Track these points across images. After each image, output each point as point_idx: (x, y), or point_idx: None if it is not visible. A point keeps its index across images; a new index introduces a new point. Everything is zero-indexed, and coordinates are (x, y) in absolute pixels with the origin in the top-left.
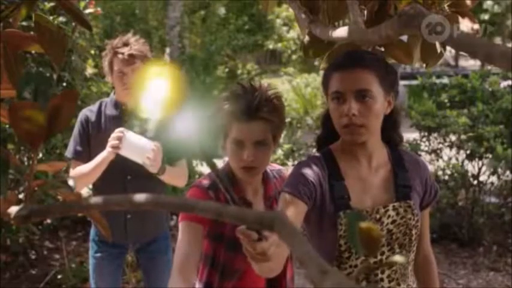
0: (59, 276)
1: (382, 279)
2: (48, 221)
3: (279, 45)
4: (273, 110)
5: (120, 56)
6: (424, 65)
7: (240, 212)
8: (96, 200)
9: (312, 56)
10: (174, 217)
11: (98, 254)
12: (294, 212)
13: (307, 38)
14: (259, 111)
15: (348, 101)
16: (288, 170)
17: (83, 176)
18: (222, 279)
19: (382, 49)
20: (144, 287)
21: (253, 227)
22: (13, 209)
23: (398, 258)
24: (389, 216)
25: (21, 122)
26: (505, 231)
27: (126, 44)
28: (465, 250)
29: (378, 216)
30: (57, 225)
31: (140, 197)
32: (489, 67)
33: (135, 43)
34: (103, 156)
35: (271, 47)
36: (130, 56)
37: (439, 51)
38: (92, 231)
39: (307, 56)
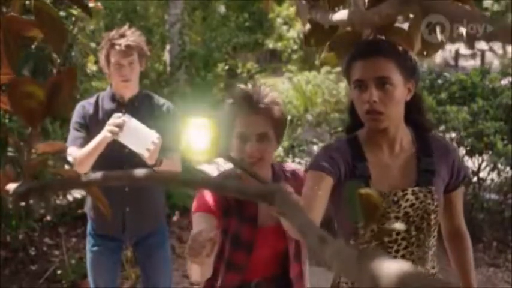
0: (59, 272)
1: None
2: (48, 218)
3: (279, 44)
4: (272, 103)
5: (117, 47)
6: (425, 53)
7: (241, 186)
8: (95, 176)
9: (314, 44)
10: (177, 212)
11: (95, 248)
12: (321, 186)
13: (308, 27)
14: (260, 103)
15: (369, 89)
16: (301, 170)
17: (79, 160)
18: (227, 270)
19: (383, 37)
20: (142, 281)
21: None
22: (11, 186)
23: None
24: (407, 199)
25: (21, 98)
26: (505, 227)
27: (122, 36)
28: None
29: (395, 198)
30: (57, 222)
31: (140, 172)
32: (488, 66)
33: (131, 35)
34: (100, 138)
35: (271, 46)
36: (127, 47)
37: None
38: (89, 225)
39: (309, 45)
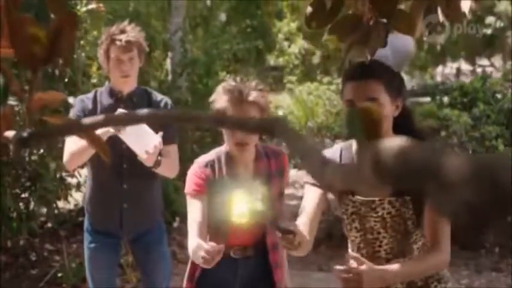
0: (59, 275)
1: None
2: (49, 224)
3: (280, 60)
4: (259, 96)
5: (118, 42)
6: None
7: (240, 120)
8: (96, 118)
9: (315, 27)
10: (177, 218)
11: (92, 245)
12: (315, 194)
13: (309, 9)
14: (248, 96)
15: None
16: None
17: (78, 150)
18: (213, 239)
19: (385, 21)
20: (141, 281)
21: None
22: (11, 133)
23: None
24: (384, 208)
25: (23, 40)
26: (507, 233)
27: (122, 31)
28: (467, 252)
29: (373, 205)
30: (58, 228)
31: (142, 111)
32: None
33: (131, 30)
34: (101, 132)
35: (272, 62)
36: (128, 42)
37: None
38: (86, 220)
39: (310, 27)
